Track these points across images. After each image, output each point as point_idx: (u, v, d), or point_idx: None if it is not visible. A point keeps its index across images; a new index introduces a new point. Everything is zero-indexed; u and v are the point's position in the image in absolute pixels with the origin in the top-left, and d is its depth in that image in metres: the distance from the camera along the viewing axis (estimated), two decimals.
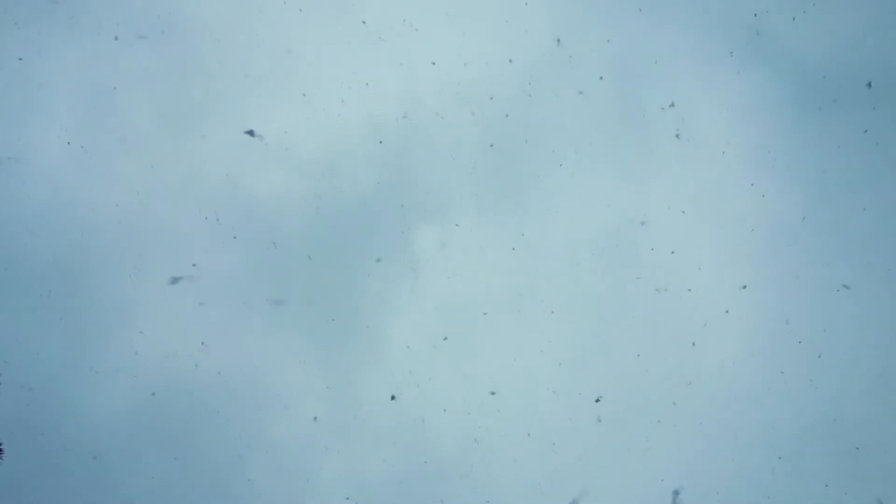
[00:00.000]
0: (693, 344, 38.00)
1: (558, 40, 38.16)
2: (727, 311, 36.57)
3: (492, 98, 38.84)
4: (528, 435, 37.06)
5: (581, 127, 38.78)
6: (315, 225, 38.65)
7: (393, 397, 37.19)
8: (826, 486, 35.18)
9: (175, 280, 36.15)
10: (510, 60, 38.02)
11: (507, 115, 39.86)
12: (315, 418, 38.35)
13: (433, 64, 38.21)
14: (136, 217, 37.08)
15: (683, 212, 38.95)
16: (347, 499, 37.10)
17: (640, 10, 37.49)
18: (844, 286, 35.65)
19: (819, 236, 36.67)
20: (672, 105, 37.96)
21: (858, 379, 35.41)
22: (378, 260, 38.17)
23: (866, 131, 36.71)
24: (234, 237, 37.46)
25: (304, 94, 38.19)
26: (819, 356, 35.89)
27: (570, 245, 38.93)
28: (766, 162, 37.19)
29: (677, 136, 38.04)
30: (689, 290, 38.20)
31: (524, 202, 39.67)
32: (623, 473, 36.04)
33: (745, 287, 37.22)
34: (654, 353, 37.68)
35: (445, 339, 39.09)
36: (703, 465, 36.06)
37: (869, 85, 35.17)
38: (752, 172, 37.16)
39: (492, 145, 39.96)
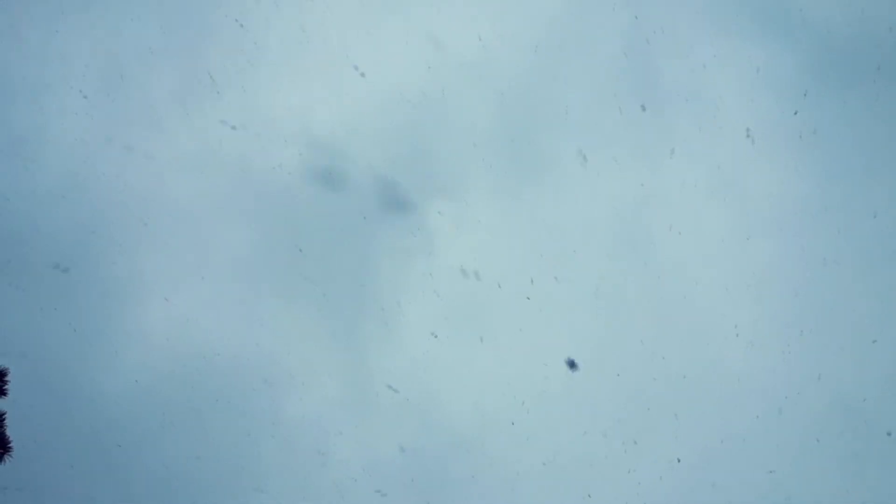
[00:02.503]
0: (701, 325, 37.76)
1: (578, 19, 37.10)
2: (748, 285, 36.26)
3: (508, 77, 38.23)
4: (539, 412, 37.11)
5: (597, 106, 38.16)
6: (329, 203, 38.47)
7: (395, 389, 37.20)
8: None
9: (189, 258, 36.14)
10: (529, 40, 37.34)
11: (523, 94, 39.26)
12: (328, 396, 38.57)
13: (450, 43, 37.60)
14: (151, 194, 37.03)
15: (697, 193, 38.47)
16: (360, 476, 37.37)
17: None
18: (868, 268, 34.64)
19: (841, 216, 35.99)
20: (691, 88, 37.13)
21: (876, 362, 34.94)
22: (399, 232, 37.95)
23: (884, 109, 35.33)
24: (249, 215, 37.47)
25: (318, 73, 37.73)
26: (839, 341, 35.38)
27: (582, 224, 38.57)
28: (786, 142, 36.46)
29: (695, 118, 37.39)
30: (700, 270, 37.80)
31: (538, 181, 39.22)
32: (627, 449, 36.08)
33: (760, 269, 36.62)
34: (662, 333, 37.42)
35: (458, 318, 39.09)
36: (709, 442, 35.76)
37: (878, 68, 33.93)
38: (771, 153, 36.49)
39: (507, 125, 39.48)
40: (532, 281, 37.38)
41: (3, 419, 16.16)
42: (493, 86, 37.65)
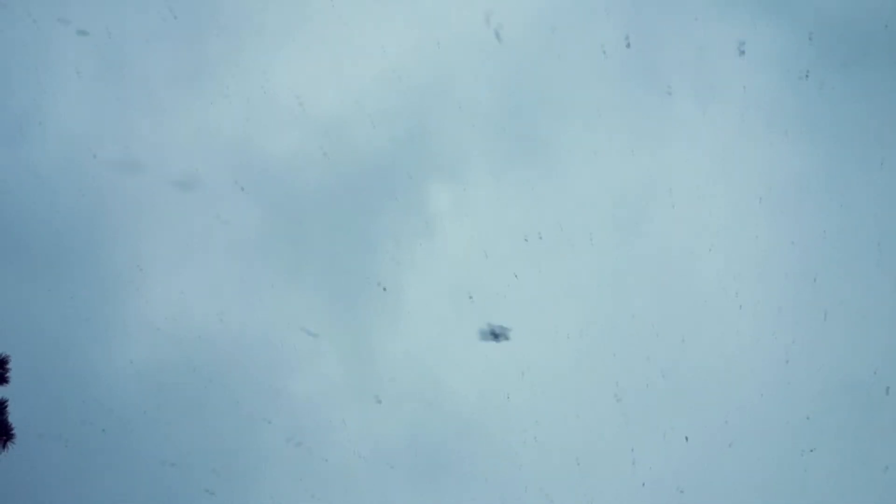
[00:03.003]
0: (705, 303, 37.69)
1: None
2: (753, 262, 36.15)
3: (510, 55, 37.87)
4: (545, 393, 37.12)
5: (600, 86, 37.85)
6: (329, 183, 38.26)
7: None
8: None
9: (188, 239, 35.93)
10: (531, 19, 36.95)
11: (524, 73, 38.95)
12: (333, 376, 38.54)
13: (449, 21, 37.22)
14: (152, 174, 36.78)
15: (698, 172, 38.26)
16: (363, 456, 37.43)
17: None
18: (876, 244, 34.44)
19: (841, 192, 35.79)
20: (691, 67, 36.81)
21: (882, 338, 34.86)
22: (401, 212, 37.75)
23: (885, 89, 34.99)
24: (249, 194, 37.20)
25: (317, 52, 37.39)
26: (843, 316, 35.28)
27: (584, 204, 38.38)
28: (786, 121, 36.20)
29: (697, 97, 37.10)
30: (707, 250, 37.70)
31: (539, 161, 39.00)
32: (629, 422, 36.09)
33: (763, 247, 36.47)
34: (661, 314, 37.34)
35: (459, 298, 38.96)
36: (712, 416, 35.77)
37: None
38: (770, 131, 36.25)
39: (508, 103, 39.19)
40: (532, 260, 37.27)
41: (5, 407, 16.08)
42: (493, 65, 37.32)
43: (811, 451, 33.67)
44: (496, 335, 34.10)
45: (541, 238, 37.20)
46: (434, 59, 37.08)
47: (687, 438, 34.00)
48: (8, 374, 16.15)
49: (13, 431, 16.09)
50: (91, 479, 31.14)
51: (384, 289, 36.84)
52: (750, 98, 35.83)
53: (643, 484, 33.96)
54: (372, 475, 35.78)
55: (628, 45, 35.82)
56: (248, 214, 36.36)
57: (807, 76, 34.25)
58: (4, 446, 16.12)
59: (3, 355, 16.10)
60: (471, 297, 37.69)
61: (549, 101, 37.79)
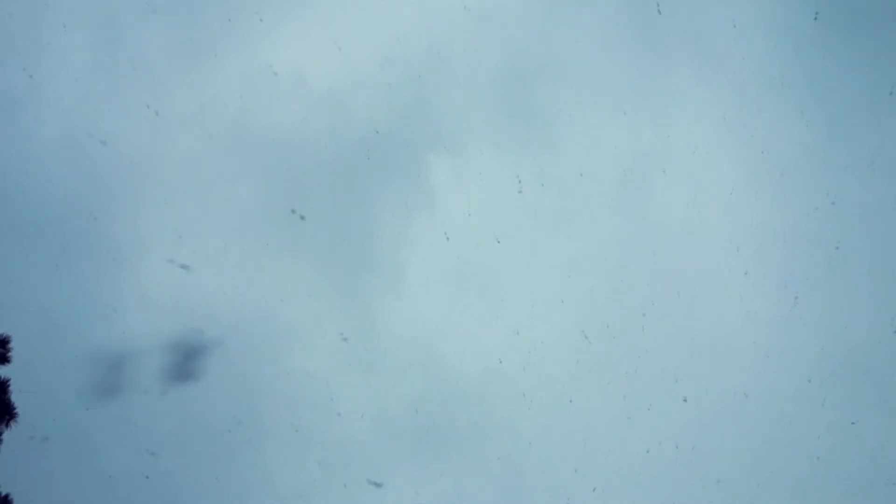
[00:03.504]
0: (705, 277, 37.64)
1: None
2: (738, 249, 36.07)
3: (510, 27, 37.43)
4: (544, 364, 37.18)
5: (601, 58, 37.47)
6: (330, 157, 37.98)
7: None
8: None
9: (190, 213, 35.70)
10: None
11: (525, 45, 38.53)
12: (335, 349, 38.54)
13: None
14: (151, 150, 36.46)
15: (699, 145, 38.02)
16: (369, 424, 37.52)
17: None
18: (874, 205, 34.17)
19: (842, 158, 35.59)
20: (693, 42, 36.41)
21: (882, 306, 34.84)
22: (401, 186, 37.49)
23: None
24: (249, 168, 36.94)
25: (317, 25, 36.85)
26: (841, 282, 35.24)
27: (585, 176, 38.16)
28: (786, 90, 35.90)
29: (697, 70, 36.76)
30: (704, 221, 37.55)
31: (541, 134, 38.73)
32: (632, 391, 36.19)
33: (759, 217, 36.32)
34: (660, 287, 37.29)
35: (460, 271, 38.93)
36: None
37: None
38: (771, 103, 35.96)
39: (509, 76, 38.80)
40: (532, 233, 37.15)
41: (8, 386, 16.06)
42: (493, 37, 36.91)
43: (812, 417, 33.90)
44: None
45: (541, 208, 37.05)
46: (433, 30, 36.69)
47: (686, 399, 34.09)
48: (9, 354, 16.11)
49: (16, 410, 16.10)
50: (92, 454, 31.25)
51: (386, 261, 36.79)
52: (750, 66, 35.56)
53: (647, 451, 34.17)
54: (374, 447, 35.95)
55: (658, 12, 35.55)
56: (249, 188, 36.16)
57: (816, 17, 33.81)
58: (7, 425, 16.12)
59: (4, 335, 16.04)
60: (472, 270, 37.65)
61: (548, 73, 37.46)
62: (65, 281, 33.35)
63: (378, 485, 34.46)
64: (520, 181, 36.20)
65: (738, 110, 35.98)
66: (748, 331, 35.58)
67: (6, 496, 16.27)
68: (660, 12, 34.97)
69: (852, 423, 32.98)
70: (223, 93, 35.36)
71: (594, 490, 33.45)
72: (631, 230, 37.56)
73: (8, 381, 16.07)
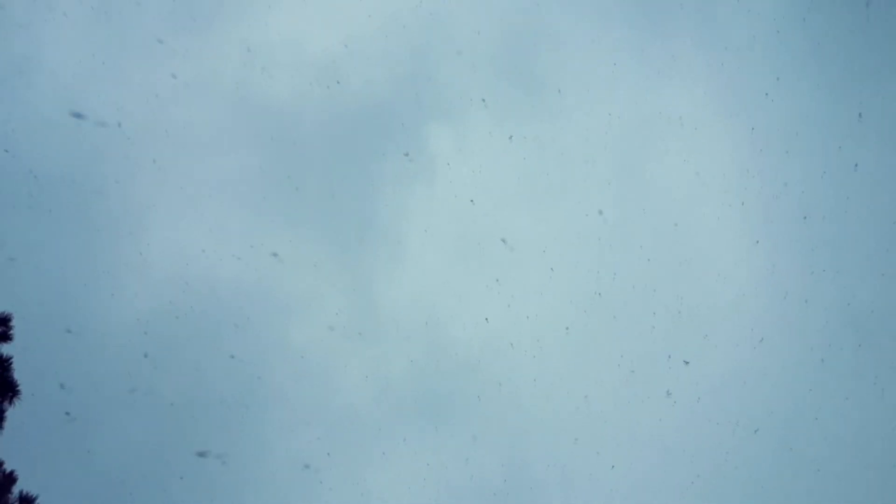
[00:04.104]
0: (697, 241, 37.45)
1: None
2: (742, 203, 35.82)
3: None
4: (543, 332, 37.13)
5: (600, 24, 36.96)
6: (329, 126, 37.59)
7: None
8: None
9: (190, 185, 35.41)
10: None
11: (523, 12, 37.96)
12: (336, 321, 38.45)
13: None
14: (149, 122, 36.03)
15: (699, 111, 37.65)
16: (370, 393, 37.54)
17: None
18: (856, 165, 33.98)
19: (847, 124, 35.27)
20: (693, 7, 35.89)
21: (877, 266, 34.71)
22: (401, 155, 37.09)
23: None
24: (248, 138, 36.56)
25: None
26: (839, 246, 35.08)
27: (586, 143, 37.85)
28: (788, 54, 35.50)
29: (698, 38, 36.30)
30: (702, 194, 37.32)
31: (541, 100, 38.33)
32: (634, 362, 36.22)
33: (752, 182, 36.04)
34: (661, 262, 37.15)
35: (460, 243, 38.72)
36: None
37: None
38: (772, 67, 35.56)
39: (507, 43, 38.26)
40: (532, 205, 36.93)
41: (10, 363, 15.90)
42: (491, 3, 36.37)
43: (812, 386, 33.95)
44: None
45: (542, 178, 36.78)
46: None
47: (687, 362, 34.09)
48: (11, 332, 15.92)
49: (18, 388, 15.97)
50: (94, 426, 31.26)
51: (385, 231, 36.57)
52: (753, 35, 35.14)
53: (649, 420, 34.26)
54: (375, 416, 36.01)
55: None
56: (248, 159, 35.84)
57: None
58: (10, 402, 16.00)
59: (6, 314, 15.84)
60: (472, 240, 37.45)
61: (547, 40, 36.98)
62: (64, 253, 33.15)
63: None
64: (519, 150, 35.84)
65: (739, 75, 35.64)
66: (748, 300, 35.55)
67: (10, 473, 16.18)
68: None
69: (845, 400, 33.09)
70: (222, 64, 34.93)
71: (613, 468, 33.54)
72: (631, 197, 37.36)
73: (10, 358, 15.92)
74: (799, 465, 33.42)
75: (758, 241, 34.75)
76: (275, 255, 35.07)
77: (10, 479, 16.11)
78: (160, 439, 32.23)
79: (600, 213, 36.43)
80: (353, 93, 35.87)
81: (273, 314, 35.60)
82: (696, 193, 36.71)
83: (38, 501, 16.27)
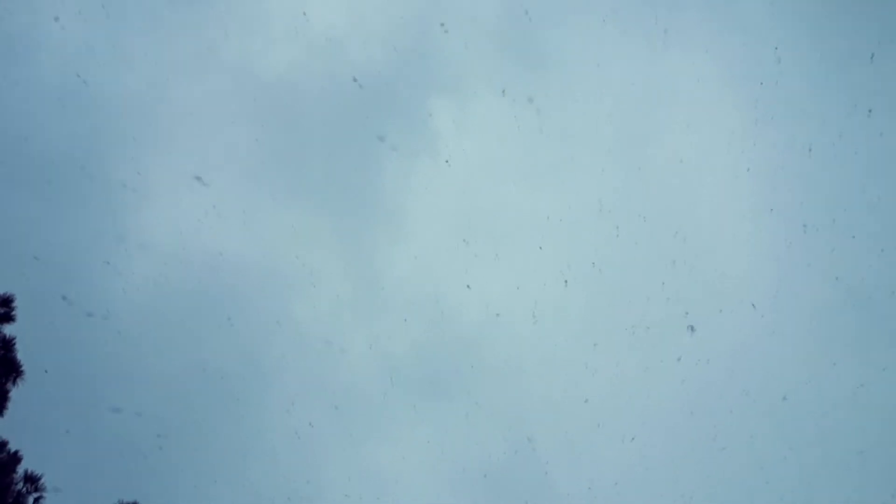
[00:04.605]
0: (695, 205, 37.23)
1: None
2: (748, 170, 35.63)
3: None
4: (547, 306, 37.11)
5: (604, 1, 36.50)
6: (330, 102, 37.25)
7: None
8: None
9: (191, 161, 35.13)
10: None
11: None
12: (339, 297, 38.40)
13: None
14: (150, 95, 35.67)
15: (704, 84, 37.30)
16: (373, 368, 37.56)
17: None
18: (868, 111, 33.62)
19: (851, 95, 34.97)
20: None
21: (880, 231, 34.59)
22: (394, 147, 36.86)
23: None
24: (250, 113, 36.24)
25: None
26: (843, 209, 34.89)
27: (588, 120, 37.54)
28: (796, 23, 35.09)
29: (704, 6, 35.89)
30: (704, 167, 37.09)
31: (543, 75, 37.95)
32: (636, 335, 36.19)
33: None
34: (665, 237, 37.01)
35: (462, 218, 38.55)
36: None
37: None
38: (780, 36, 35.17)
39: (510, 16, 37.78)
40: (534, 179, 36.75)
41: (13, 344, 15.83)
42: None
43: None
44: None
45: (543, 150, 36.56)
46: None
47: (693, 328, 34.05)
48: (14, 313, 15.84)
49: (22, 368, 15.92)
50: (96, 403, 31.26)
51: (387, 208, 36.43)
52: (757, 5, 34.79)
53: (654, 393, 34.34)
54: (378, 391, 36.09)
55: None
56: (249, 134, 35.58)
57: None
58: (14, 383, 15.96)
59: (8, 294, 15.75)
60: (474, 213, 37.30)
61: (550, 13, 36.55)
62: (64, 228, 32.97)
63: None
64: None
65: (746, 43, 35.33)
66: (753, 271, 35.50)
67: (15, 453, 16.17)
68: None
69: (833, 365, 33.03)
70: (222, 37, 34.53)
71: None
72: (635, 170, 37.17)
73: (13, 339, 15.86)
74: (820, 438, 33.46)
75: (772, 209, 34.53)
76: (277, 229, 34.85)
77: (15, 458, 16.11)
78: (162, 415, 32.25)
79: (604, 185, 36.29)
80: (353, 65, 35.53)
81: (275, 289, 35.56)
82: (700, 163, 36.54)
83: (42, 480, 16.28)
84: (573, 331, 37.03)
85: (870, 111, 32.94)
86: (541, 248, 35.41)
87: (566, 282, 35.38)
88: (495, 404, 36.04)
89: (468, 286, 35.91)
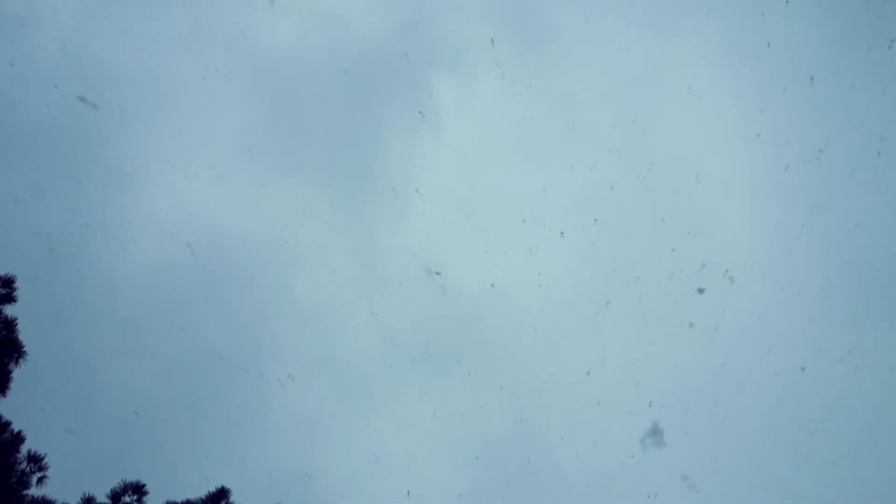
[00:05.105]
0: (697, 177, 37.04)
1: None
2: (758, 135, 35.38)
3: None
4: (548, 282, 37.03)
5: None
6: (330, 77, 36.88)
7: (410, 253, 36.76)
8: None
9: (194, 135, 34.85)
10: None
11: None
12: (339, 273, 38.28)
13: None
14: (148, 70, 35.27)
15: (707, 60, 36.90)
16: (375, 342, 37.55)
17: None
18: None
19: (854, 71, 34.67)
20: None
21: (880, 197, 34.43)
22: (405, 104, 36.50)
23: None
24: (250, 88, 35.88)
25: None
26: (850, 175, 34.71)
27: (588, 93, 37.22)
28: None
29: None
30: (706, 141, 36.82)
31: (544, 49, 37.54)
32: (639, 306, 36.16)
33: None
34: (667, 217, 36.82)
35: (465, 193, 38.34)
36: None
37: None
38: (783, 13, 34.78)
39: None
40: (537, 153, 36.50)
41: (15, 324, 15.71)
42: None
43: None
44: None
45: (545, 129, 36.32)
46: None
47: (701, 290, 33.95)
48: (15, 294, 15.69)
49: (24, 349, 15.81)
50: (99, 382, 31.27)
51: (388, 183, 36.23)
52: None
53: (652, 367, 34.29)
54: (380, 365, 36.12)
55: None
56: (250, 108, 35.28)
57: None
58: (16, 363, 15.86)
59: (9, 275, 15.59)
60: (475, 188, 37.11)
61: None
62: (67, 204, 32.80)
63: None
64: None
65: (748, 21, 34.95)
66: (755, 249, 35.39)
67: (18, 433, 16.10)
68: None
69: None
70: (223, 11, 34.11)
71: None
72: (636, 148, 36.93)
73: (15, 319, 15.73)
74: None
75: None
76: (279, 204, 34.65)
77: (18, 438, 16.05)
78: (164, 393, 32.26)
79: (605, 162, 36.06)
80: (357, 39, 35.14)
81: (278, 265, 35.46)
82: (706, 133, 36.32)
83: (45, 460, 16.23)
84: (575, 306, 37.00)
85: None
86: (551, 225, 35.32)
87: (565, 238, 35.23)
88: (499, 377, 36.08)
89: (467, 261, 35.89)
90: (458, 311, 36.80)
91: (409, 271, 36.25)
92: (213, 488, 17.55)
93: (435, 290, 36.41)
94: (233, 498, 17.71)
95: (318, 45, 34.95)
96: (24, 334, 15.57)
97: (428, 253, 36.42)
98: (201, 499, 17.50)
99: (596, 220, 35.69)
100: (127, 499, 16.77)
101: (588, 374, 34.68)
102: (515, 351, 36.87)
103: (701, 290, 33.97)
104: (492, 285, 36.40)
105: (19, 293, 15.54)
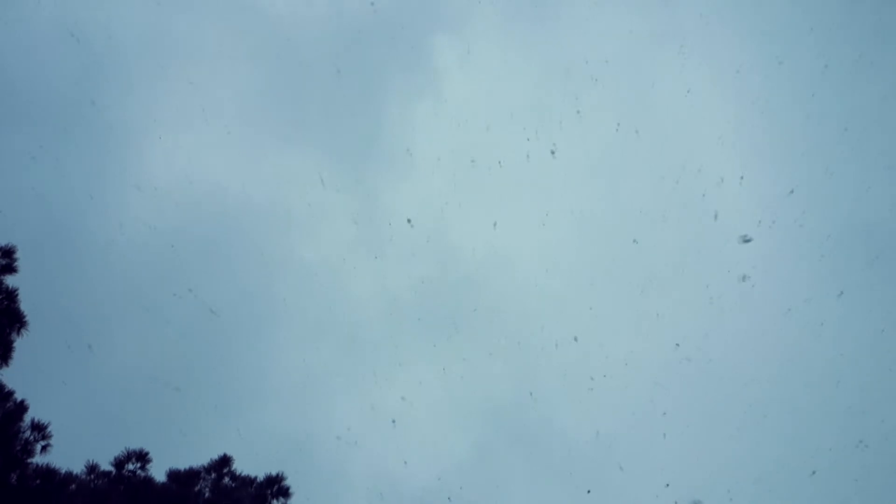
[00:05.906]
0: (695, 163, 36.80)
1: None
2: (762, 112, 35.10)
3: None
4: (552, 247, 37.00)
5: None
6: (334, 40, 36.42)
7: (409, 220, 36.60)
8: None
9: (194, 100, 34.53)
10: None
11: None
12: (343, 235, 38.19)
13: None
14: (154, 34, 34.85)
15: (707, 24, 36.38)
16: (379, 308, 37.55)
17: None
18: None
19: (853, 42, 34.27)
20: None
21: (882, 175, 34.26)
22: (406, 68, 36.10)
23: None
24: (252, 53, 35.46)
25: None
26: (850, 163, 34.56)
27: (590, 59, 36.75)
28: None
29: None
30: (710, 108, 36.43)
31: (547, 14, 37.05)
32: (640, 268, 36.15)
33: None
34: (668, 190, 36.58)
35: (465, 160, 38.06)
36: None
37: None
38: None
39: None
40: (537, 123, 36.20)
41: (16, 295, 15.70)
42: None
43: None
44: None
45: (546, 91, 35.99)
46: None
47: (707, 285, 33.95)
48: (15, 264, 15.66)
49: (25, 319, 15.82)
50: (100, 350, 31.30)
51: (391, 147, 35.99)
52: None
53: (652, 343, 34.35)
54: (384, 330, 36.20)
55: None
56: (250, 73, 34.94)
57: None
58: (18, 333, 15.88)
59: (10, 245, 15.55)
60: (477, 153, 36.89)
61: None
62: (64, 168, 32.60)
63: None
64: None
65: None
66: (751, 220, 35.26)
67: (21, 402, 16.16)
68: None
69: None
70: None
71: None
72: (639, 116, 36.63)
73: (16, 289, 15.72)
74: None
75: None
76: (280, 169, 34.41)
77: (22, 407, 16.12)
78: (167, 357, 32.34)
79: (607, 129, 35.76)
80: (358, 4, 34.72)
81: (280, 230, 35.38)
82: (705, 109, 36.01)
83: (49, 428, 16.31)
84: (580, 270, 36.99)
85: None
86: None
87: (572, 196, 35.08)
88: (502, 344, 36.15)
89: (507, 244, 35.80)
90: (463, 273, 36.86)
91: (412, 234, 36.15)
92: (215, 455, 17.71)
93: (438, 251, 36.43)
94: (235, 465, 17.85)
95: (320, 7, 34.57)
96: (25, 304, 15.57)
97: (431, 216, 36.37)
98: (204, 466, 17.65)
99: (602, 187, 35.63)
100: (130, 466, 16.91)
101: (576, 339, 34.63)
102: (522, 313, 36.96)
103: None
104: (507, 244, 36.19)
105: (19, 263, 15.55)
